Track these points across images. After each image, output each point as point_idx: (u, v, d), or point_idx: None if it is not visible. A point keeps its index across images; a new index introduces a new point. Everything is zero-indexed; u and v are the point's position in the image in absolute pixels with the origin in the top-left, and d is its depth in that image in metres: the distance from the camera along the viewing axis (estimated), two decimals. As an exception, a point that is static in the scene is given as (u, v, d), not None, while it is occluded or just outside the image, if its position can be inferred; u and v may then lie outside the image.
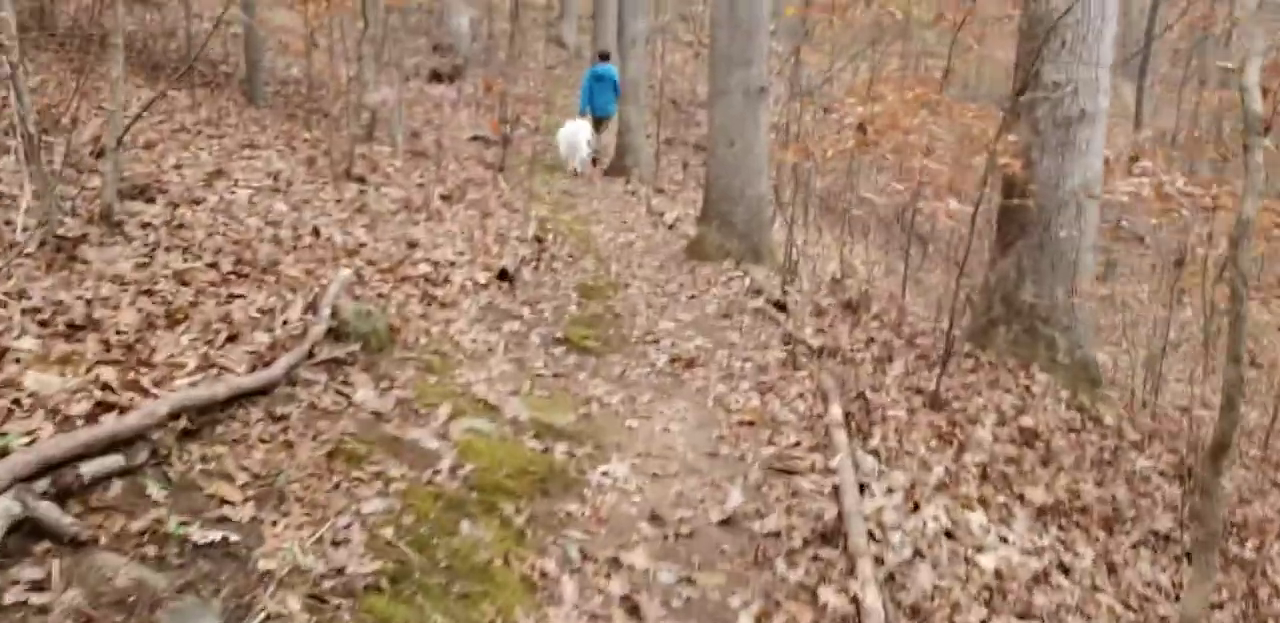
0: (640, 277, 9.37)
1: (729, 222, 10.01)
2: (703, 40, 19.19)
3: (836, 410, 5.74)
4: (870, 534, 4.32)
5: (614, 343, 6.98)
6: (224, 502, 3.32)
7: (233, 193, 7.55)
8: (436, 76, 14.25)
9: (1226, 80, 17.65)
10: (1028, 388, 7.50)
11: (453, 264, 7.36)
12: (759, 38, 9.79)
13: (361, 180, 8.97)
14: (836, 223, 14.04)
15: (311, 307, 5.41)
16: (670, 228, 11.83)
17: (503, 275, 7.43)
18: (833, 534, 4.37)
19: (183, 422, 3.63)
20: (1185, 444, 6.59)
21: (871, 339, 7.74)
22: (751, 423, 5.70)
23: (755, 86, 9.81)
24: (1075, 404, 7.46)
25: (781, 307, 8.30)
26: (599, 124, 15.73)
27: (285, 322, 5.18)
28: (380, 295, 6.33)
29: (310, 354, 4.95)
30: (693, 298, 8.78)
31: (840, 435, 5.36)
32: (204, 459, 3.55)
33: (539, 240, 9.24)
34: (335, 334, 5.28)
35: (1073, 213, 7.77)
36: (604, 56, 15.61)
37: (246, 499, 3.38)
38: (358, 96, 10.23)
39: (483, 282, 7.23)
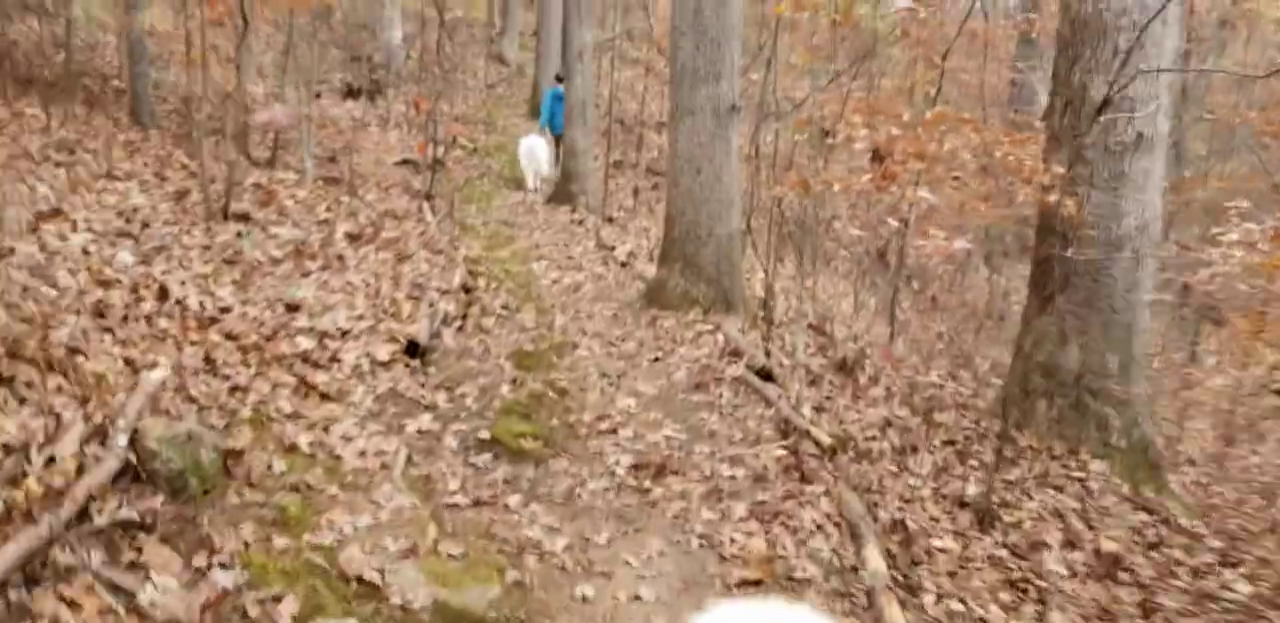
0: (591, 332, 7.48)
1: (694, 263, 8.17)
2: (655, 53, 17.39)
3: (875, 559, 3.90)
4: None
5: (559, 439, 5.06)
6: None
7: (64, 239, 5.55)
8: (353, 92, 12.26)
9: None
10: (1083, 483, 5.73)
11: (346, 334, 5.41)
12: (730, 47, 7.98)
13: (244, 218, 6.98)
14: (806, 253, 12.31)
15: (100, 431, 3.46)
16: (623, 265, 9.95)
17: (412, 348, 5.48)
18: None
19: None
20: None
21: (888, 423, 5.92)
22: (758, 582, 3.83)
23: (725, 104, 8.00)
24: (1141, 503, 5.72)
25: (767, 375, 6.47)
26: (559, 143, 14.00)
27: (51, 459, 3.23)
28: (233, 391, 4.38)
29: (81, 518, 3.02)
30: (656, 360, 6.92)
31: (892, 613, 3.52)
32: None
33: (467, 290, 7.31)
34: (134, 475, 3.35)
35: (1128, 261, 6.04)
36: (562, 79, 13.85)
37: None
38: (250, 115, 8.23)
39: (385, 358, 5.29)
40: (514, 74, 21.82)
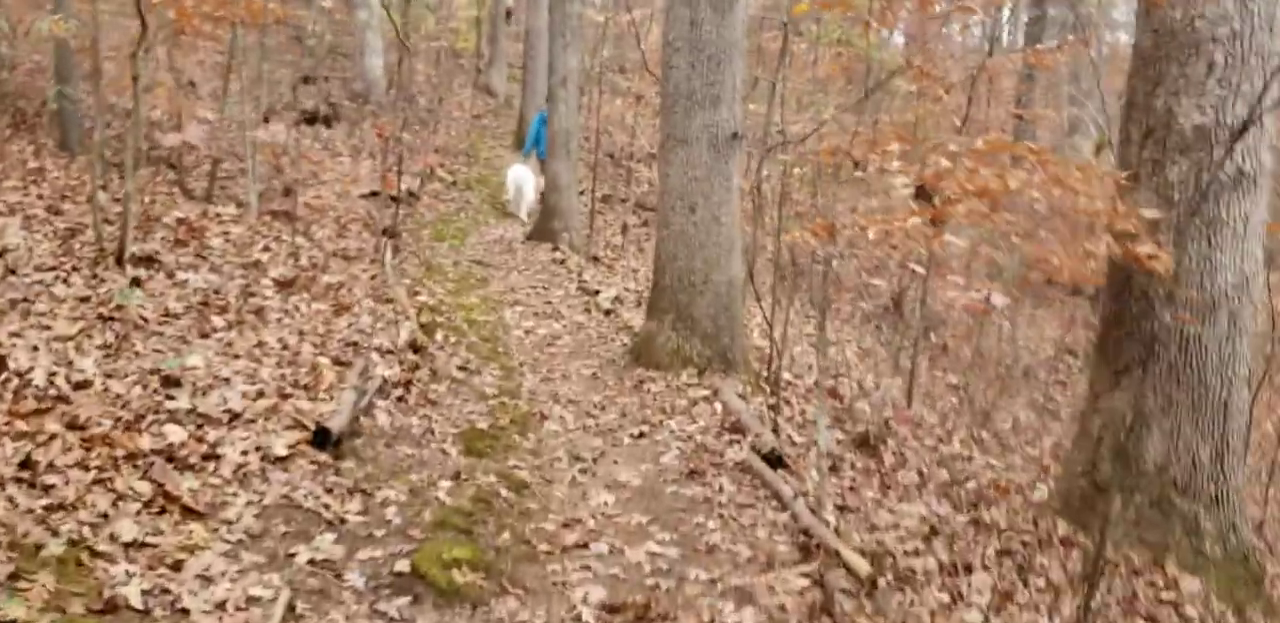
0: (565, 397, 6.16)
1: (688, 316, 6.88)
2: (646, 81, 16.24)
3: None
4: None
5: (508, 565, 3.71)
6: None
7: (-107, 288, 4.25)
8: (310, 119, 11.02)
9: None
10: (1177, 608, 4.43)
11: (235, 418, 4.09)
12: (731, 67, 6.74)
13: (148, 261, 5.66)
14: (809, 298, 11.05)
15: None
16: (607, 313, 8.65)
17: (321, 436, 4.14)
18: None
19: None
20: None
21: (932, 531, 4.60)
22: None
23: (725, 133, 6.75)
24: (1250, 635, 4.43)
25: (777, 460, 5.16)
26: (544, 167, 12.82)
27: None
28: (50, 511, 3.07)
29: None
30: (641, 436, 5.60)
31: None
32: None
33: (417, 348, 5.98)
34: None
35: (1223, 326, 4.79)
36: (551, 101, 12.67)
37: None
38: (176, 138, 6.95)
39: (282, 451, 3.95)
40: (501, 106, 20.65)
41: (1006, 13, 24.78)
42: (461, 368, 6.12)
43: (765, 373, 7.13)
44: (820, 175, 14.06)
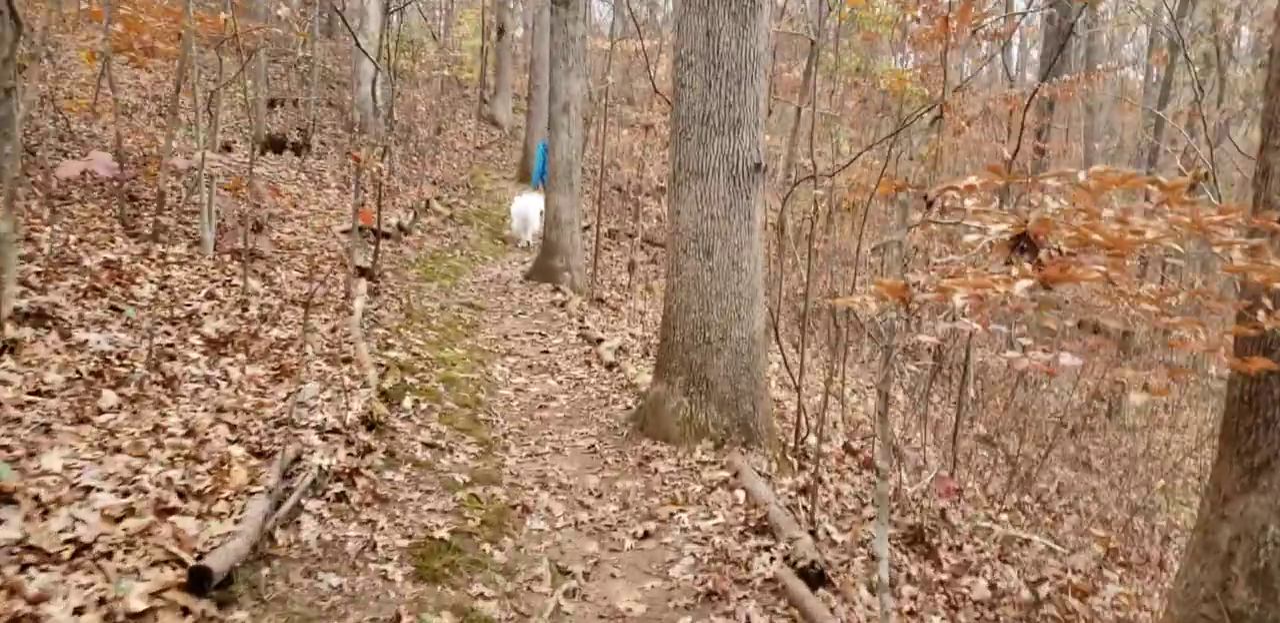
0: (555, 481, 4.96)
1: (702, 378, 5.69)
2: (655, 110, 15.17)
3: None
4: None
5: None
6: None
7: None
8: (275, 145, 9.89)
9: None
10: None
11: (82, 552, 2.89)
12: (753, 85, 5.61)
13: (38, 318, 4.50)
14: (827, 345, 9.86)
15: None
16: (610, 367, 7.47)
17: (200, 578, 2.94)
18: None
19: None
20: None
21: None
22: None
23: (746, 163, 5.60)
24: None
25: (817, 576, 3.97)
26: None
27: None
28: None
29: None
30: (645, 537, 4.40)
31: None
32: None
33: (372, 424, 4.80)
34: None
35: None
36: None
37: None
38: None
39: (140, 605, 2.74)
40: (506, 137, 19.63)
41: (1015, 49, 23.75)
42: (429, 445, 4.92)
43: (791, 443, 5.94)
44: (837, 212, 12.90)
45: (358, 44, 11.38)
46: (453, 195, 14.46)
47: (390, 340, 6.72)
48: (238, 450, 3.82)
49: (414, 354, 6.58)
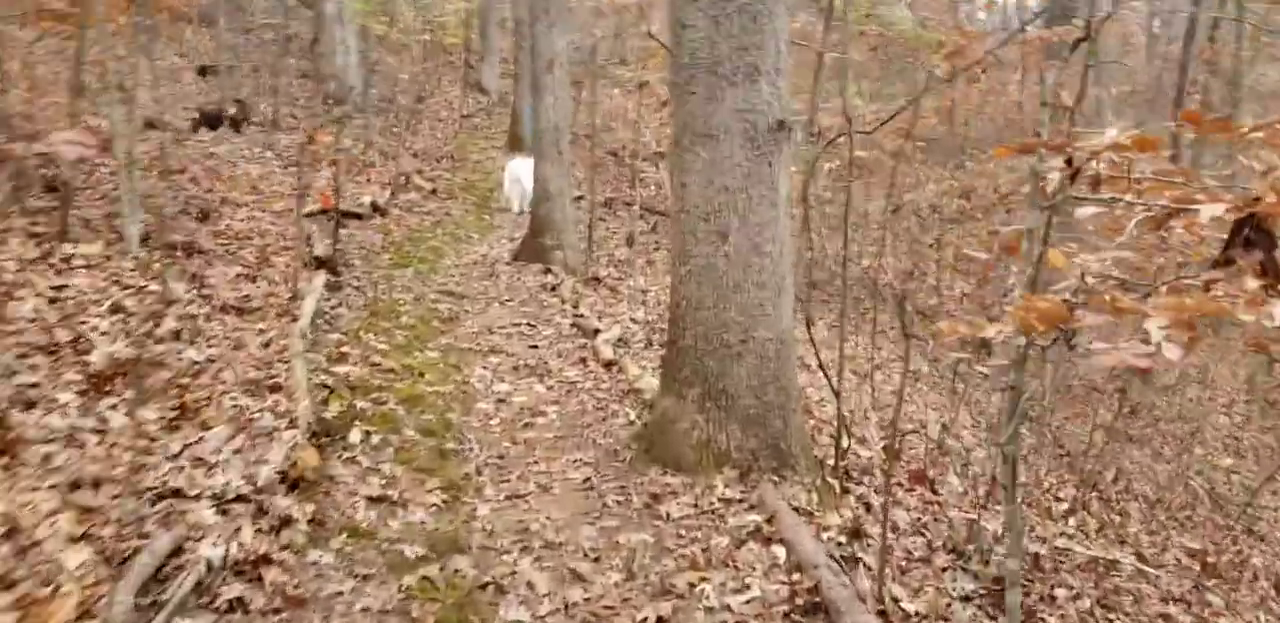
0: (539, 537, 3.77)
1: (720, 391, 4.49)
2: (652, 65, 13.78)
3: None
4: None
5: None
6: None
7: None
8: (208, 121, 8.61)
9: None
10: None
11: None
12: (773, 23, 4.35)
13: None
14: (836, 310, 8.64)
15: None
16: (609, 365, 6.27)
17: None
18: None
19: None
20: None
21: None
22: None
23: (768, 120, 4.35)
24: None
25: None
26: None
27: None
28: None
29: None
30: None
31: None
32: None
33: (295, 482, 3.61)
34: None
35: None
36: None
37: None
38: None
39: None
40: (494, 104, 18.24)
41: None
42: (376, 500, 3.74)
43: (831, 459, 4.75)
44: (854, 176, 11.57)
45: (329, 12, 10.11)
46: (436, 168, 13.17)
47: (345, 349, 5.52)
48: (77, 557, 2.63)
49: (373, 365, 5.38)
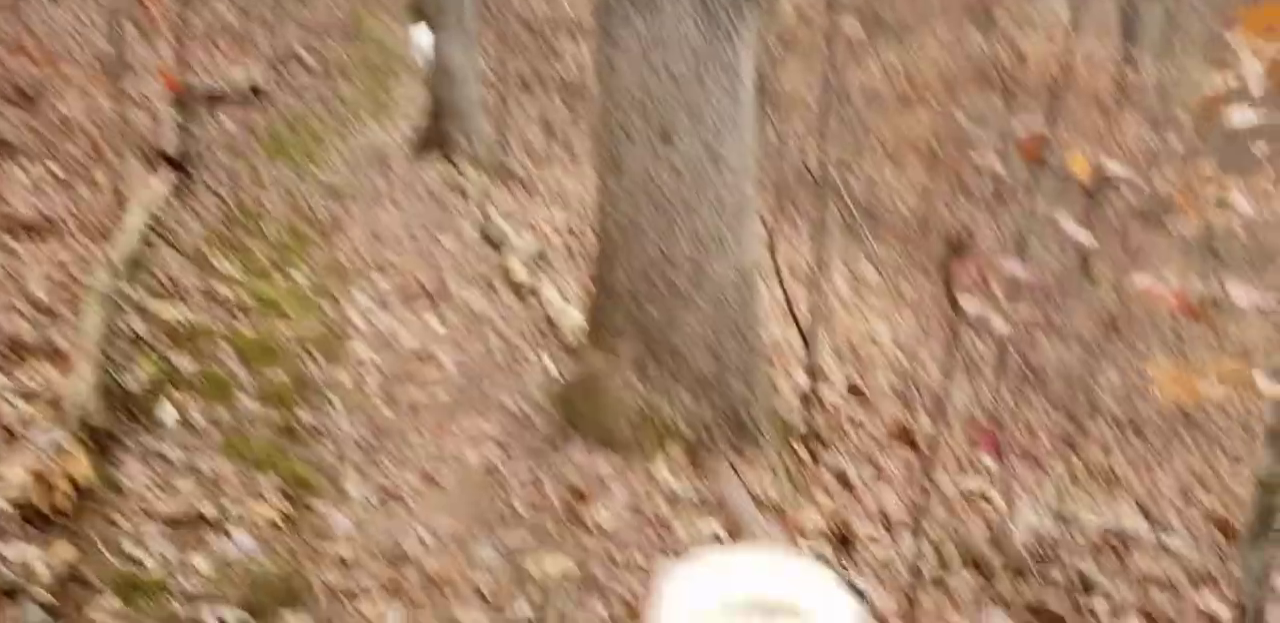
0: (416, 569, 2.66)
1: (665, 343, 3.36)
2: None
3: None
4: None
5: None
6: None
7: None
8: None
9: None
10: None
11: None
12: None
13: None
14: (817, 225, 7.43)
15: None
16: (522, 291, 5.07)
17: None
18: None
19: None
20: None
21: None
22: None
23: (730, -21, 3.06)
24: None
25: None
26: None
27: None
28: None
29: None
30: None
31: None
32: None
33: (48, 512, 2.41)
34: None
35: None
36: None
37: None
38: None
39: None
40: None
41: None
42: (175, 524, 2.55)
43: (797, 423, 3.71)
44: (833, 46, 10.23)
45: None
46: (327, 42, 11.35)
47: (176, 277, 4.19)
48: None
49: (214, 300, 4.09)
